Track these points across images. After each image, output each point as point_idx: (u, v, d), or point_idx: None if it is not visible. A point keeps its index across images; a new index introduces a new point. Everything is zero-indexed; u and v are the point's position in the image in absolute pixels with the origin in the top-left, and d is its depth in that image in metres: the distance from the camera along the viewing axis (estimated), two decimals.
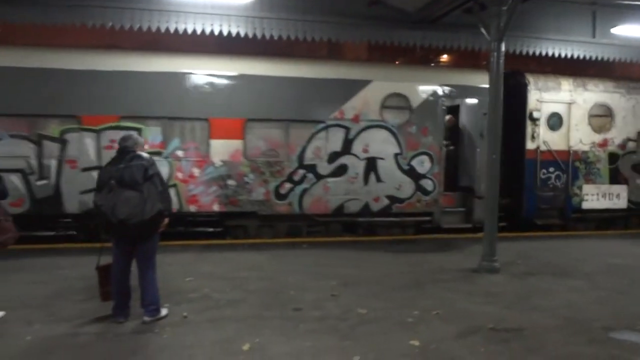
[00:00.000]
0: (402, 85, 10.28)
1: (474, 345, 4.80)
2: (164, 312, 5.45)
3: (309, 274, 7.29)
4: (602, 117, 11.47)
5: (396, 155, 10.26)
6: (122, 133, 6.45)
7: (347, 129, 10.01)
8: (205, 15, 9.02)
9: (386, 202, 10.26)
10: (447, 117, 10.85)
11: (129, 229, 4.97)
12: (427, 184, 10.45)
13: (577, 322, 5.52)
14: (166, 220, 5.24)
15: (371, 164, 10.13)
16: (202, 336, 4.92)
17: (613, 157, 11.58)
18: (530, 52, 10.80)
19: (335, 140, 9.96)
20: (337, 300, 6.11)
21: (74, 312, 5.52)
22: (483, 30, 7.86)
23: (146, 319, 5.27)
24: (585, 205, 11.39)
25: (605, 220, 11.77)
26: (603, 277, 7.50)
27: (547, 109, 11.06)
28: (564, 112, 11.16)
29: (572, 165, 11.22)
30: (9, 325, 5.12)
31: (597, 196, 11.37)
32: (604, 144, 11.48)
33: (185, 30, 9.02)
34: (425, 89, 10.39)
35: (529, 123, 10.92)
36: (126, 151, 5.20)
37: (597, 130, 11.41)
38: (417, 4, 9.30)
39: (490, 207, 7.84)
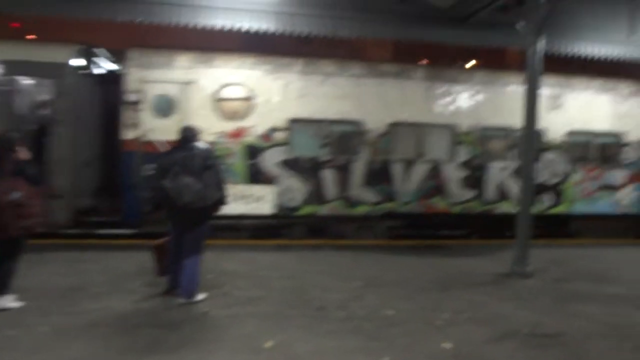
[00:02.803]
0: None
1: (510, 350, 4.54)
2: (200, 296, 5.59)
3: (332, 275, 7.07)
4: (235, 100, 9.34)
5: None
6: None
7: None
8: (234, 11, 8.88)
9: None
10: None
11: (191, 213, 5.37)
12: None
13: (620, 328, 5.25)
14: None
15: None
16: (223, 332, 4.77)
17: (253, 151, 9.30)
18: (564, 53, 10.28)
19: None
20: (362, 301, 5.87)
21: (92, 305, 5.41)
22: (520, 26, 7.62)
23: (181, 300, 5.46)
24: None
25: (246, 229, 9.50)
26: None
27: (154, 90, 8.92)
28: (178, 94, 9.02)
29: None
30: (26, 315, 5.02)
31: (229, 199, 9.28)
32: (238, 134, 9.31)
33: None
34: None
35: (125, 107, 8.85)
36: (187, 140, 5.57)
37: (229, 117, 9.22)
38: (449, 1, 9.08)
39: (523, 210, 7.61)
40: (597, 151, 10.90)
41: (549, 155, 10.57)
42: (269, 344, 4.47)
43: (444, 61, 11.43)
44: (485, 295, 6.26)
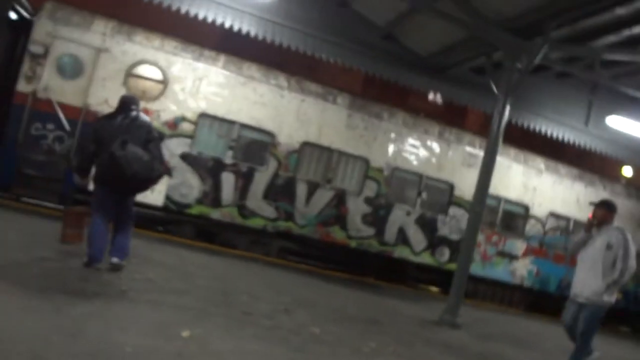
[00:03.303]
0: None
1: None
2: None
3: (263, 286, 6.80)
4: (147, 80, 8.72)
5: None
6: None
7: None
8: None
9: None
10: None
11: (135, 183, 5.33)
12: None
13: None
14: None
15: None
16: (139, 313, 4.38)
17: None
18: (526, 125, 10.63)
19: None
20: (291, 315, 5.59)
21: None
22: (493, 85, 7.86)
23: (115, 260, 5.43)
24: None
25: None
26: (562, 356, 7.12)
27: (63, 48, 8.41)
28: (90, 59, 8.51)
29: (84, 129, 8.29)
30: None
31: None
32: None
33: None
34: None
35: (28, 58, 8.28)
36: (128, 109, 5.51)
37: (137, 95, 7.96)
38: (431, 49, 9.18)
39: (462, 264, 7.67)
40: (503, 217, 10.99)
41: (456, 211, 10.57)
42: (185, 333, 4.09)
43: (384, 99, 11.38)
44: (413, 336, 6.19)
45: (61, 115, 8.38)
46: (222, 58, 9.15)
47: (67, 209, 5.84)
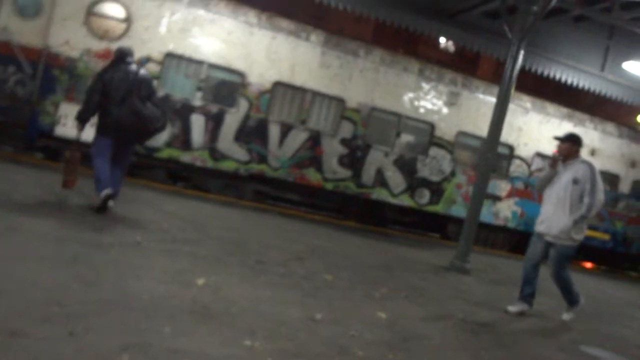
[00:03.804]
0: None
1: (442, 329, 4.52)
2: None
3: (276, 235, 6.86)
4: (109, 19, 8.38)
5: None
6: None
7: None
8: None
9: None
10: None
11: (147, 135, 5.91)
12: None
13: (548, 331, 5.31)
14: None
15: None
16: (154, 262, 4.43)
17: None
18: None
19: None
20: (303, 263, 5.66)
21: (18, 213, 4.91)
22: (506, 29, 7.58)
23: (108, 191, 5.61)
24: (60, 130, 8.27)
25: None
26: None
27: None
28: None
29: (47, 73, 8.19)
30: None
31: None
32: (106, 55, 8.12)
33: None
34: None
35: None
36: (125, 62, 5.76)
37: (99, 35, 8.33)
38: None
39: (472, 209, 7.67)
40: None
41: (437, 151, 10.32)
42: (200, 281, 4.13)
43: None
44: (424, 281, 6.27)
45: (21, 58, 8.16)
46: None
47: (69, 156, 5.84)
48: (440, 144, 10.31)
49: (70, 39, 8.26)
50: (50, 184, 6.32)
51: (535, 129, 11.00)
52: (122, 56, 5.81)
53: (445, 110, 10.28)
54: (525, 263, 5.66)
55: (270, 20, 9.13)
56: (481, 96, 10.51)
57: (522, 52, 7.50)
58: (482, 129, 10.39)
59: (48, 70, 8.23)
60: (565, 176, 5.41)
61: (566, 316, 5.73)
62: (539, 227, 5.53)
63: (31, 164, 7.78)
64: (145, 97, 5.75)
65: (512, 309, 5.57)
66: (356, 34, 9.50)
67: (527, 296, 5.60)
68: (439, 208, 10.48)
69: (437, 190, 10.40)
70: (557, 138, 5.66)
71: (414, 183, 10.23)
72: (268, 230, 7.23)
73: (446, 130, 10.31)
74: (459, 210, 10.52)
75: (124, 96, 5.61)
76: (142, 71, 5.87)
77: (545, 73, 10.11)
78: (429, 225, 11.03)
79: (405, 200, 10.25)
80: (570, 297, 5.66)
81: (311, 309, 4.13)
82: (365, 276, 5.80)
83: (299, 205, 10.18)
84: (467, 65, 11.28)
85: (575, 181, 5.31)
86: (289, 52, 9.24)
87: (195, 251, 5.06)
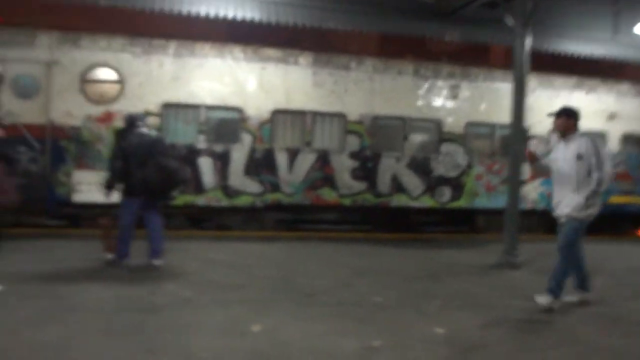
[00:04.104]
0: None
1: (504, 335, 4.43)
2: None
3: (318, 264, 7.00)
4: (103, 83, 8.77)
5: None
6: None
7: None
8: None
9: None
10: None
11: (171, 190, 6.40)
12: None
13: (609, 316, 5.11)
14: None
15: None
16: (208, 316, 4.56)
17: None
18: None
19: None
20: (349, 288, 5.75)
21: (73, 288, 5.21)
22: (508, 21, 7.58)
23: (156, 262, 6.25)
24: (76, 197, 8.61)
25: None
26: (630, 275, 7.13)
27: (15, 70, 8.41)
28: (42, 74, 8.54)
29: (55, 145, 8.54)
30: (6, 297, 4.83)
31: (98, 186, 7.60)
32: (106, 118, 8.69)
33: None
34: None
35: None
36: (136, 126, 6.26)
37: (96, 100, 8.71)
38: None
39: (511, 202, 7.62)
40: (500, 144, 10.47)
41: (448, 147, 10.15)
42: (255, 327, 4.26)
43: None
44: (474, 285, 6.16)
45: (29, 137, 8.50)
46: (173, 44, 8.98)
47: (103, 223, 6.38)
48: (451, 138, 10.14)
49: (70, 110, 8.57)
50: (89, 251, 6.66)
51: (545, 105, 10.64)
52: (133, 122, 6.32)
53: (448, 104, 10.14)
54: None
55: (257, 52, 9.27)
56: (483, 83, 10.33)
57: (529, 39, 7.42)
58: (491, 115, 10.30)
59: (55, 143, 8.54)
60: (568, 153, 5.16)
61: (542, 300, 5.18)
62: (555, 210, 5.29)
63: (61, 235, 8.16)
64: (162, 154, 6.22)
65: (571, 298, 5.35)
66: (346, 48, 9.52)
67: (582, 281, 5.37)
68: (462, 203, 10.27)
69: (457, 186, 10.20)
70: (550, 114, 5.47)
71: (432, 182, 10.07)
72: (307, 258, 7.33)
73: (454, 124, 10.14)
74: (483, 202, 10.29)
75: (145, 158, 6.06)
76: (152, 132, 6.46)
77: (557, 49, 9.91)
78: (456, 222, 10.79)
79: (426, 202, 10.08)
80: (556, 283, 5.17)
81: (366, 336, 4.14)
82: (413, 291, 5.76)
83: (326, 223, 10.14)
84: (472, 54, 11.05)
85: (579, 157, 5.05)
86: (280, 79, 9.34)
87: (245, 296, 5.21)
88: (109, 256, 6.36)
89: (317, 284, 5.80)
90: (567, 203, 5.10)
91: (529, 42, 7.46)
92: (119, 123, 8.65)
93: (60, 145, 8.57)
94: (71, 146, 8.61)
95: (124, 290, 5.20)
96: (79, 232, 8.47)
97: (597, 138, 5.22)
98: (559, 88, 10.80)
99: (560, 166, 5.22)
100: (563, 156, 5.20)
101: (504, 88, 10.36)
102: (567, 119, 5.24)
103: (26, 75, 8.51)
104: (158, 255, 6.32)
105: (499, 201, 10.37)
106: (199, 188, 9.06)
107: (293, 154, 9.41)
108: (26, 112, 8.47)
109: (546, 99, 10.68)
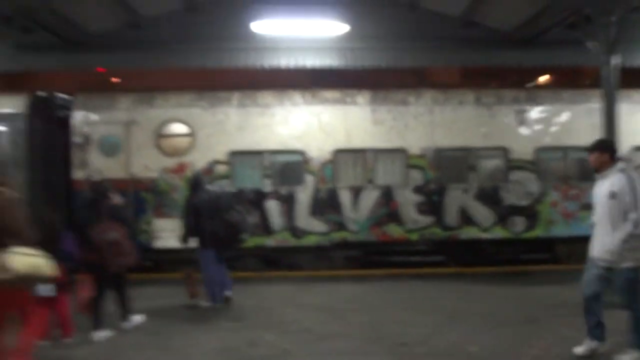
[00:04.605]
0: None
1: None
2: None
3: (409, 307, 6.98)
4: (175, 137, 9.46)
5: None
6: None
7: None
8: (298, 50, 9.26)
9: None
10: None
11: (237, 236, 7.05)
12: None
13: None
14: None
15: None
16: None
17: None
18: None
19: None
20: (442, 335, 5.70)
21: (177, 339, 5.73)
22: (590, 45, 7.58)
23: (229, 293, 7.04)
24: (157, 243, 9.25)
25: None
26: None
27: (99, 131, 9.35)
28: (123, 134, 9.36)
29: (136, 197, 9.22)
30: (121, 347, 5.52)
31: (175, 232, 8.45)
32: (180, 169, 9.36)
33: None
34: None
35: (74, 149, 9.34)
36: (203, 184, 7.11)
37: (170, 153, 9.39)
38: (514, 22, 8.91)
39: None
40: (575, 168, 9.90)
41: (518, 174, 9.76)
42: None
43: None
44: (575, 330, 5.35)
45: (114, 191, 9.30)
46: (236, 95, 9.55)
47: (187, 273, 7.09)
48: (520, 166, 9.76)
49: (147, 164, 9.34)
50: (176, 298, 7.17)
51: (624, 122, 9.99)
52: (199, 181, 7.12)
53: (515, 130, 9.80)
54: (583, 291, 4.89)
55: (315, 96, 9.60)
56: (551, 106, 9.90)
57: (616, 60, 7.29)
58: (563, 139, 9.79)
59: (137, 195, 9.31)
60: (602, 190, 4.76)
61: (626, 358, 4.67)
62: (591, 251, 4.87)
63: (149, 280, 8.67)
64: (227, 208, 6.93)
65: (579, 350, 4.86)
66: (403, 84, 9.63)
67: (593, 329, 4.82)
68: (538, 232, 9.77)
69: (530, 215, 9.75)
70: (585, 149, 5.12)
71: (503, 212, 9.70)
72: (397, 300, 7.33)
73: (522, 151, 9.77)
74: (561, 230, 9.73)
75: (212, 213, 6.74)
76: (214, 188, 7.40)
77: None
78: (533, 252, 10.27)
79: (498, 233, 9.72)
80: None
81: None
82: (509, 337, 5.48)
83: (387, 261, 10.08)
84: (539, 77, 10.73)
85: (612, 195, 4.61)
86: (340, 119, 9.57)
87: (340, 347, 5.30)
88: (196, 302, 6.99)
89: (410, 332, 5.75)
90: (603, 246, 4.68)
91: (615, 63, 7.23)
92: (190, 173, 9.29)
93: (141, 197, 9.33)
94: (150, 197, 9.33)
95: (226, 340, 5.54)
96: (162, 276, 9.07)
97: (636, 173, 4.77)
98: (638, 102, 10.08)
99: (597, 204, 4.85)
100: (599, 193, 4.82)
101: (574, 109, 9.89)
102: (600, 153, 4.82)
103: (109, 135, 9.42)
104: (228, 288, 7.06)
105: (580, 228, 9.76)
106: (267, 230, 9.41)
107: (356, 192, 9.52)
108: (110, 169, 9.32)
109: (626, 115, 9.97)
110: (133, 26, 8.90)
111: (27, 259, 4.02)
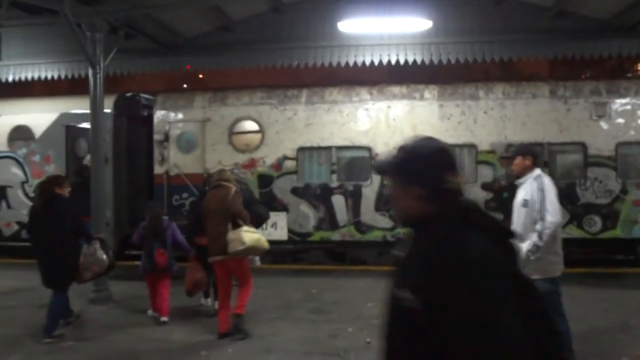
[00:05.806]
0: (25, 117, 10.50)
1: None
2: None
3: None
4: (247, 133, 9.78)
5: (22, 183, 10.34)
6: None
7: None
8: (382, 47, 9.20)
9: (16, 227, 10.25)
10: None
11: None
12: None
13: None
14: None
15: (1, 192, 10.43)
16: None
17: (265, 180, 9.59)
18: None
19: None
20: None
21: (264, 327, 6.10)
22: None
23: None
24: None
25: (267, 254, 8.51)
26: None
27: (178, 129, 9.93)
28: (199, 131, 9.82)
29: None
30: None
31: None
32: (251, 164, 9.63)
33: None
34: (47, 118, 10.37)
35: (155, 146, 9.93)
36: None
37: (242, 149, 9.74)
38: (612, 10, 8.55)
39: None
40: None
41: (596, 171, 9.26)
42: None
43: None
44: None
45: (190, 184, 9.94)
46: (304, 92, 9.79)
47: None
48: (599, 162, 9.25)
49: (221, 159, 9.82)
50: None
51: None
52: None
53: (594, 124, 9.29)
54: None
55: (382, 92, 9.62)
56: (635, 98, 9.26)
57: None
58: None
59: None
60: (518, 198, 4.59)
61: None
62: None
63: None
64: (253, 202, 7.03)
65: None
66: (468, 77, 9.37)
67: None
68: (618, 232, 9.24)
69: (609, 214, 9.23)
70: (503, 158, 4.79)
71: (579, 211, 9.26)
72: None
73: (602, 146, 9.24)
74: None
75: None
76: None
77: None
78: (612, 253, 9.73)
79: (573, 232, 9.29)
80: None
81: None
82: (600, 346, 5.25)
83: None
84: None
85: (524, 203, 4.41)
86: (406, 114, 9.53)
87: None
88: None
89: None
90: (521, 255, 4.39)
91: None
92: (261, 168, 9.71)
93: None
94: None
95: (308, 331, 5.82)
96: None
97: (550, 181, 4.45)
98: None
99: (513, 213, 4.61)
100: (515, 201, 4.64)
101: None
102: (522, 159, 4.64)
103: (187, 132, 10.01)
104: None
105: None
106: (333, 224, 9.62)
107: None
108: (187, 164, 9.93)
109: None
110: (224, 29, 9.34)
111: (253, 235, 5.63)
